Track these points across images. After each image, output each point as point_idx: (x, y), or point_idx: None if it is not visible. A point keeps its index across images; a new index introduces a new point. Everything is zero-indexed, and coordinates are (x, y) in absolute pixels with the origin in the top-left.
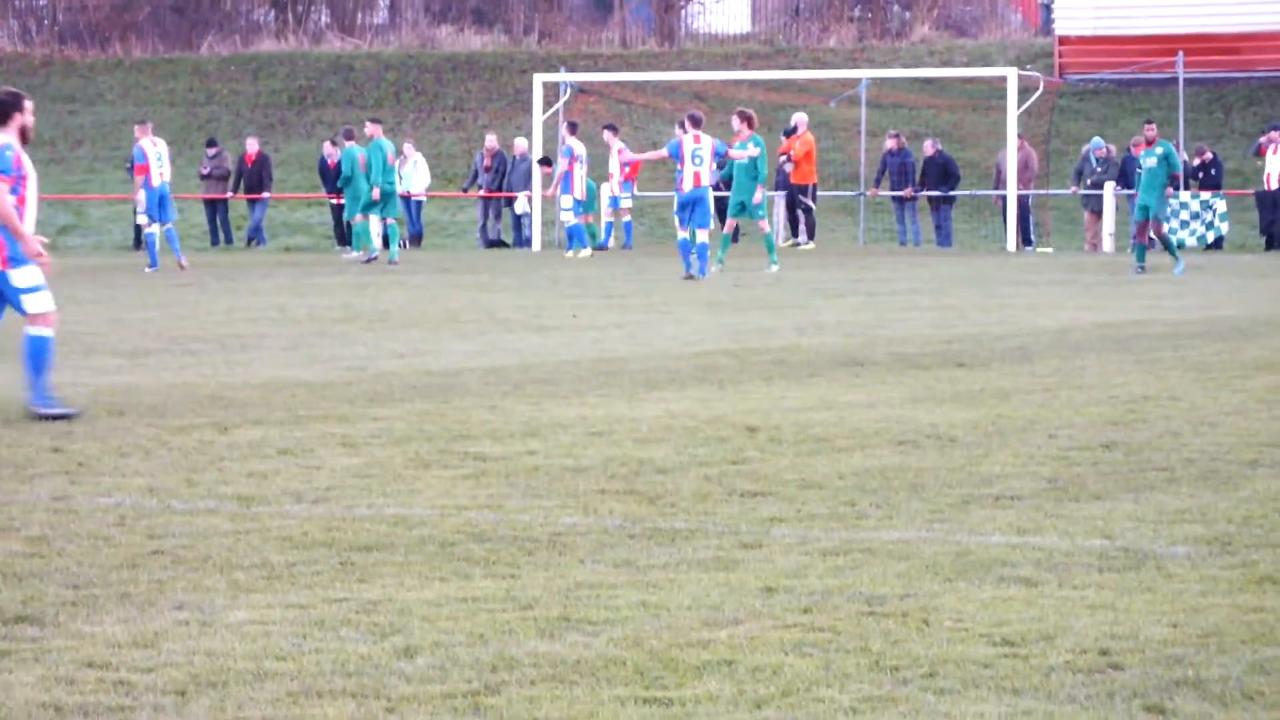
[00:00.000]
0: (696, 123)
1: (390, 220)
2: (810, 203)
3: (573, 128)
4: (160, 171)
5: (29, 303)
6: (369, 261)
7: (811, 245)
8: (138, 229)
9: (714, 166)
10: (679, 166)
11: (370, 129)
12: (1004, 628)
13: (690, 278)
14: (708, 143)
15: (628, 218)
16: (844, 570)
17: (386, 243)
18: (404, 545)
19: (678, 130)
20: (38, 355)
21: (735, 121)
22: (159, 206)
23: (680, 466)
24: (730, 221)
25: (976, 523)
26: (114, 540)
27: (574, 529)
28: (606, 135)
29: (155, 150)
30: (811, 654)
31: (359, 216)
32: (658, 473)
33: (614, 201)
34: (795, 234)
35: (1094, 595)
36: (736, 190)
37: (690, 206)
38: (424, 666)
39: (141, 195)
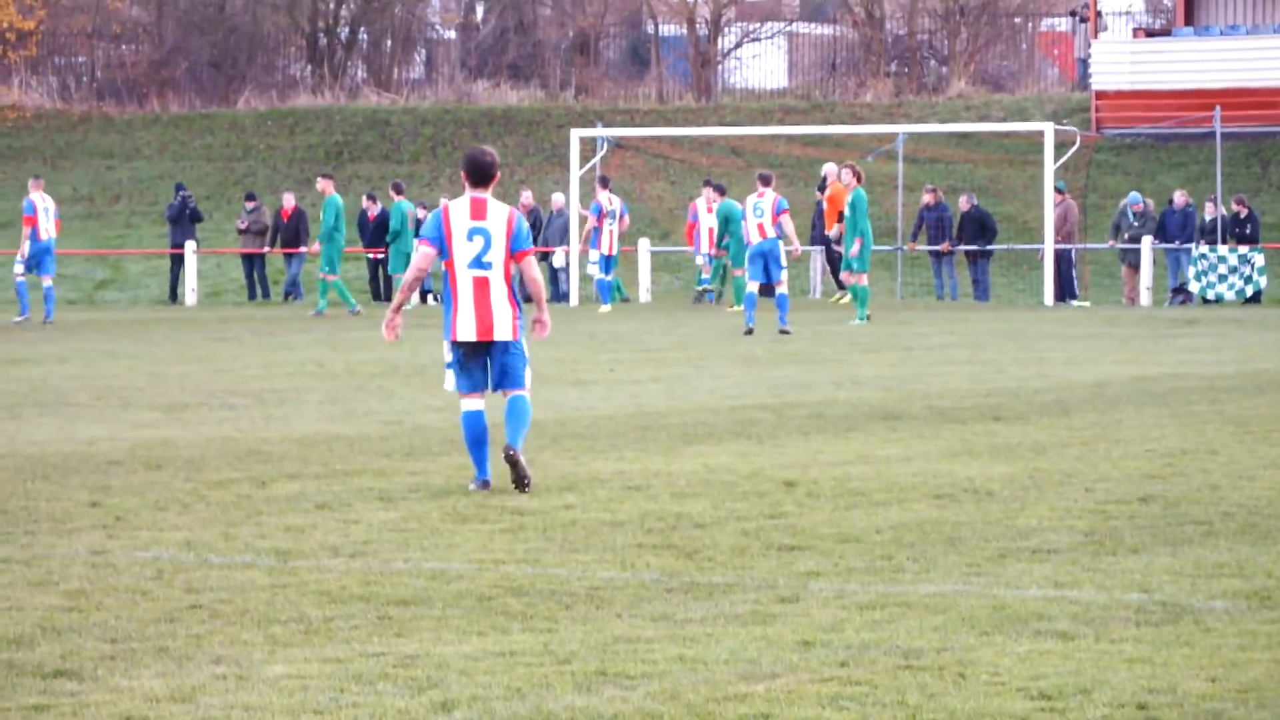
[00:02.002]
0: (766, 181)
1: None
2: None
3: (604, 182)
4: (47, 227)
5: None
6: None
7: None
8: (173, 283)
9: (774, 219)
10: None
11: (321, 184)
12: (1041, 681)
13: (750, 332)
14: (770, 197)
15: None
16: (881, 624)
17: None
18: (441, 600)
19: (707, 191)
20: None
21: (846, 175)
22: (41, 259)
23: (717, 521)
24: (846, 275)
25: (1013, 576)
26: (152, 594)
27: (611, 583)
28: (708, 192)
29: (44, 205)
30: (848, 708)
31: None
32: (695, 527)
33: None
34: (841, 287)
35: (1131, 649)
36: (846, 244)
37: (760, 259)
38: None
39: (26, 246)
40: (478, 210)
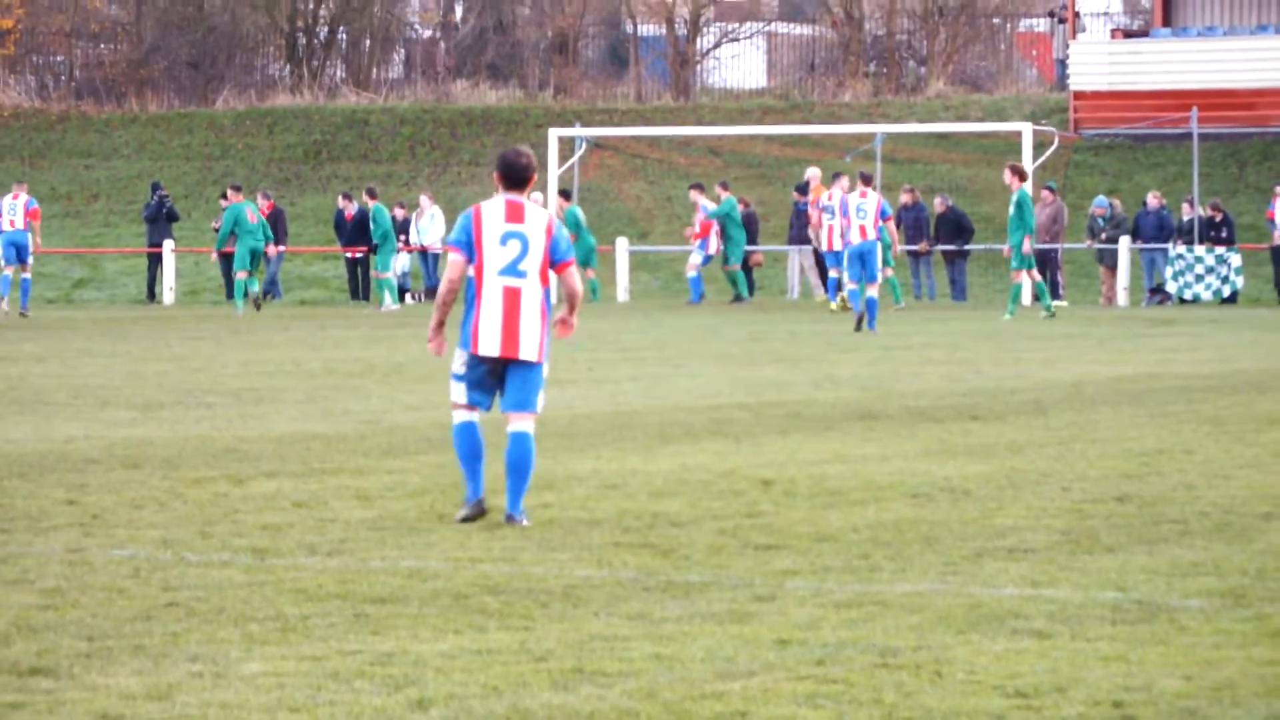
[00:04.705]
0: (867, 180)
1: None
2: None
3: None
4: (12, 219)
5: None
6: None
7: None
8: (151, 282)
9: (878, 223)
10: (844, 221)
11: (232, 196)
12: (1017, 680)
13: (859, 329)
14: (873, 199)
15: (693, 273)
16: (857, 623)
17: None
18: (418, 598)
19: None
20: None
21: (1007, 175)
22: (11, 250)
23: (694, 520)
24: (1016, 273)
25: (990, 575)
26: (128, 592)
27: (588, 582)
28: (692, 194)
29: (11, 203)
30: (825, 706)
31: (242, 273)
32: (672, 526)
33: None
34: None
35: (1107, 648)
36: (1016, 238)
37: (860, 259)
38: (438, 719)
39: None
40: (514, 213)
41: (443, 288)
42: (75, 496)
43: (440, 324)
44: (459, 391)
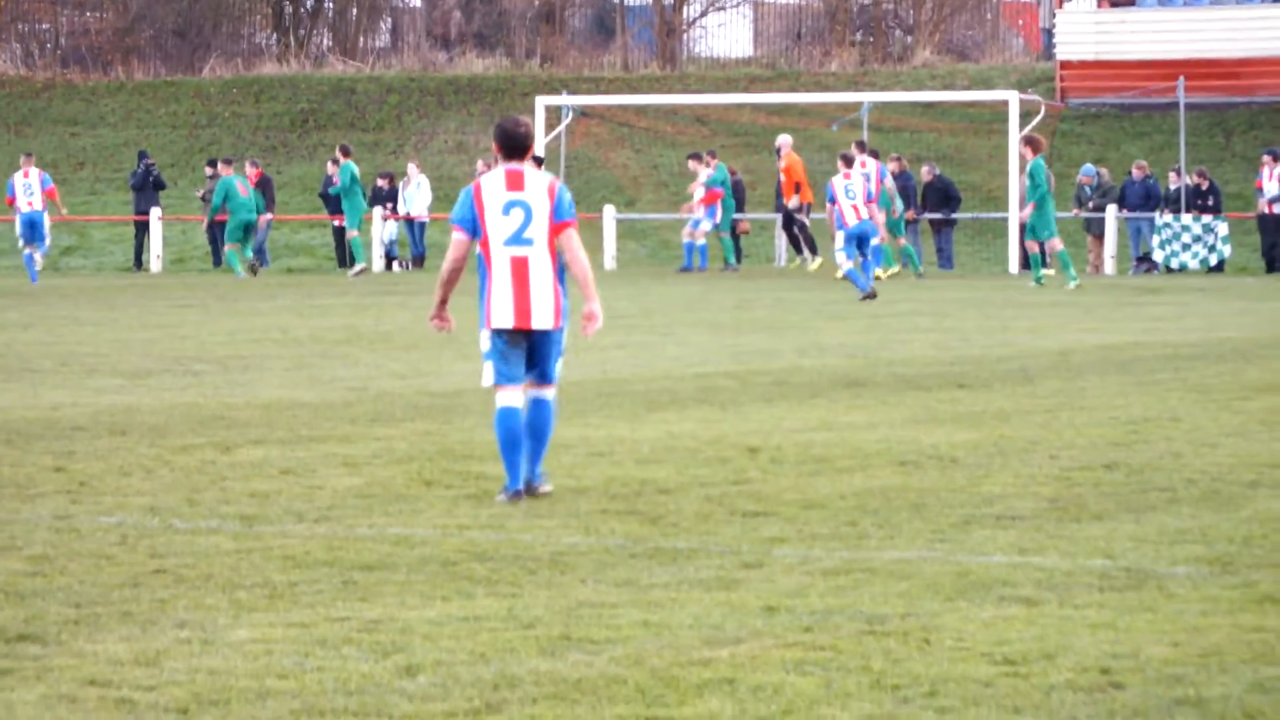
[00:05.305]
0: (848, 162)
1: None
2: (804, 219)
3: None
4: (29, 200)
5: None
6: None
7: (818, 261)
8: (138, 250)
9: (866, 202)
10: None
11: (222, 169)
12: (1005, 647)
13: (869, 296)
14: (859, 179)
15: (702, 240)
16: (845, 590)
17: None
18: (406, 564)
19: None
20: None
21: (1020, 146)
22: (28, 230)
23: (682, 487)
24: (1031, 243)
25: (977, 543)
26: (116, 559)
27: (575, 549)
28: (691, 164)
29: (24, 181)
30: (812, 673)
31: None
32: (659, 493)
33: (694, 223)
34: (800, 252)
35: (1095, 615)
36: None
37: (856, 239)
38: (426, 685)
39: (15, 221)
40: (514, 181)
41: (445, 266)
42: (63, 464)
43: (443, 302)
44: (489, 372)
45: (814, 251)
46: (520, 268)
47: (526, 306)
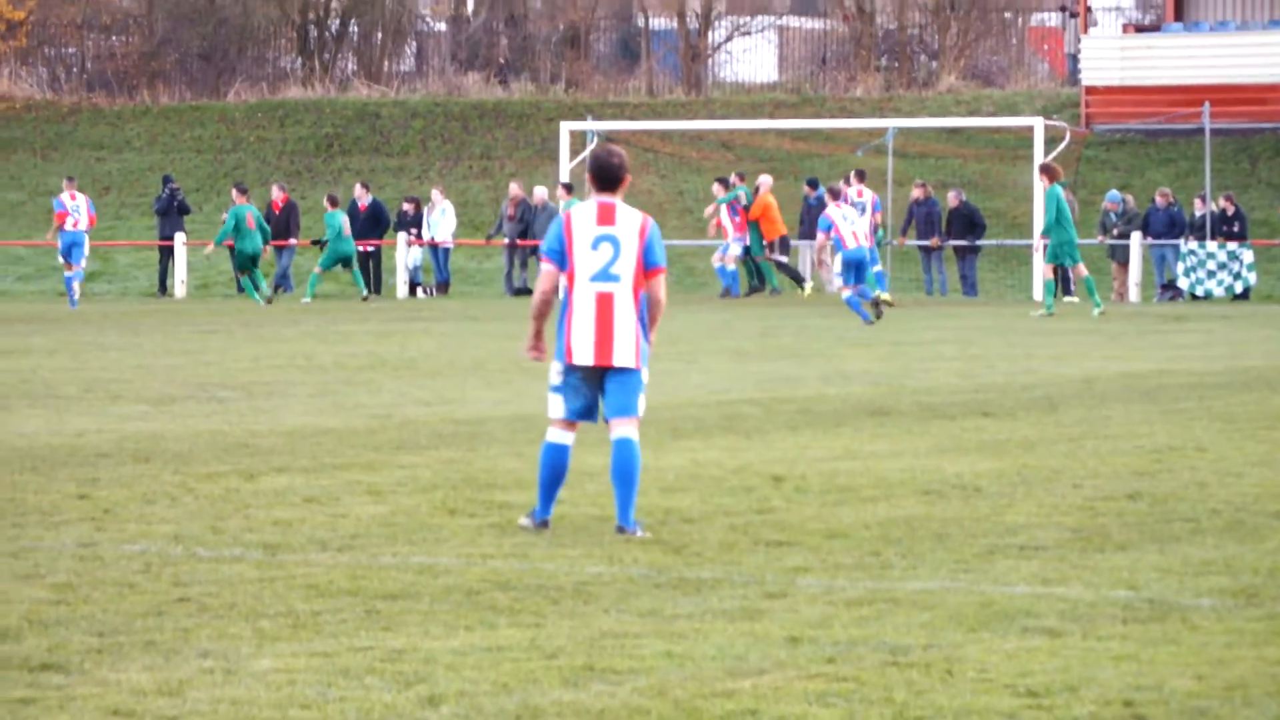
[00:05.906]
0: (835, 195)
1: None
2: (779, 257)
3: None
4: (76, 220)
5: None
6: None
7: (810, 285)
8: (162, 275)
9: (873, 224)
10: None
11: (237, 198)
12: (1028, 678)
13: (870, 323)
14: (851, 213)
15: (733, 266)
16: (868, 620)
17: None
18: (429, 594)
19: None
20: None
21: (1036, 173)
22: (70, 249)
23: (705, 516)
24: (1047, 268)
25: (1001, 573)
26: (140, 588)
27: (599, 578)
28: (716, 188)
29: (74, 202)
30: (835, 704)
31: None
32: (683, 522)
33: (723, 249)
34: (800, 284)
35: (1118, 646)
36: (1055, 235)
37: (854, 265)
38: (448, 716)
39: (55, 237)
40: (605, 215)
41: (535, 299)
42: (86, 491)
43: (538, 334)
44: (557, 405)
45: (799, 282)
46: (605, 304)
47: (609, 343)
